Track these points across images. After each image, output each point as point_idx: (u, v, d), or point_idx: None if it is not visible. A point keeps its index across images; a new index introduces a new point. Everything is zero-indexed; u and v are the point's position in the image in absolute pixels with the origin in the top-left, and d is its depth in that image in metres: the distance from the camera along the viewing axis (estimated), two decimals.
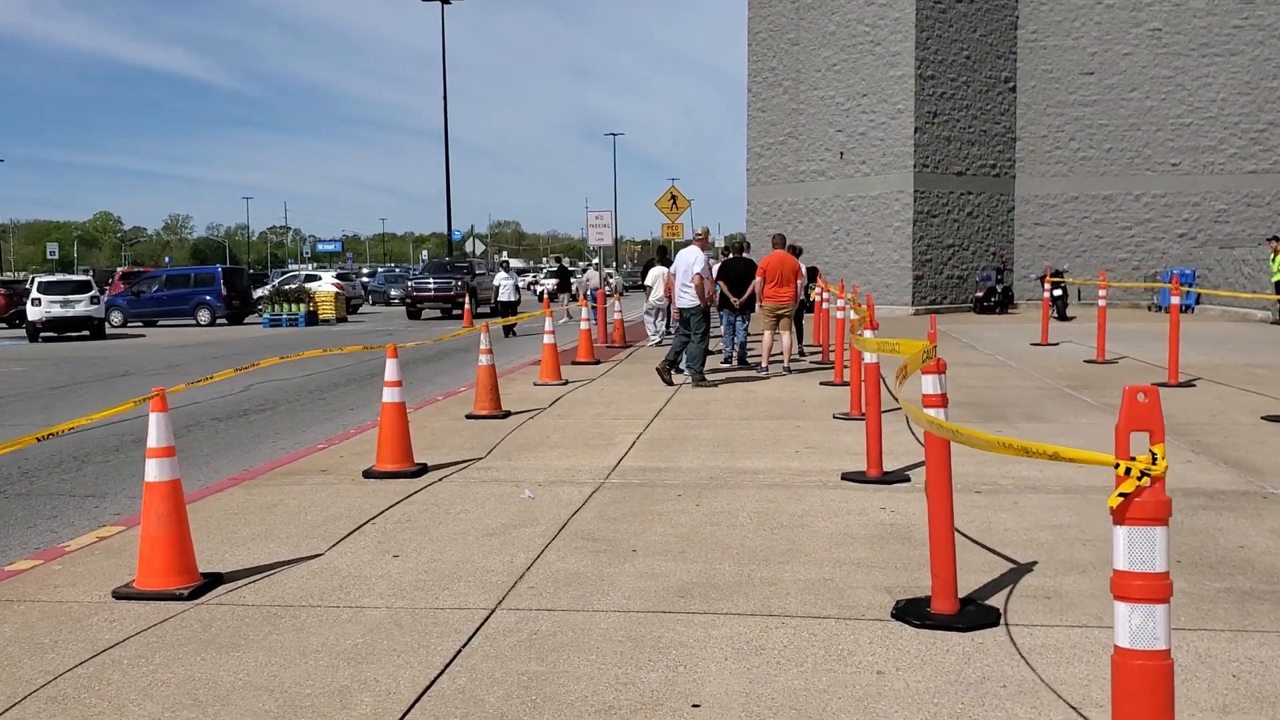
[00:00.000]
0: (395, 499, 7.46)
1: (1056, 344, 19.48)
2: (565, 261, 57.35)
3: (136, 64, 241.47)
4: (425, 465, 8.50)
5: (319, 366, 18.48)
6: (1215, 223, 31.47)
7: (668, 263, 21.43)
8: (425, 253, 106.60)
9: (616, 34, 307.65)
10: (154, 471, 5.38)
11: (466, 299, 33.47)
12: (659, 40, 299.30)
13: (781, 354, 15.97)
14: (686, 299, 13.71)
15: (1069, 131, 32.28)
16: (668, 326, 24.75)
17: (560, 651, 4.53)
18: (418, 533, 6.55)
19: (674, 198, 33.40)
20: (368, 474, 8.27)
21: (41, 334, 29.88)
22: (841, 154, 32.03)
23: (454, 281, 36.19)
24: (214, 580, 5.54)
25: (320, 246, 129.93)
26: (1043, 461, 7.59)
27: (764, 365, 15.58)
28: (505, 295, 28.51)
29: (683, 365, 14.16)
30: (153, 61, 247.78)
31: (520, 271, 48.43)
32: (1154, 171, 31.73)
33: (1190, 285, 29.16)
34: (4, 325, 36.92)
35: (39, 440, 5.02)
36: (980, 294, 30.09)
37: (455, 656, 4.50)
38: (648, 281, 22.14)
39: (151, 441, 5.40)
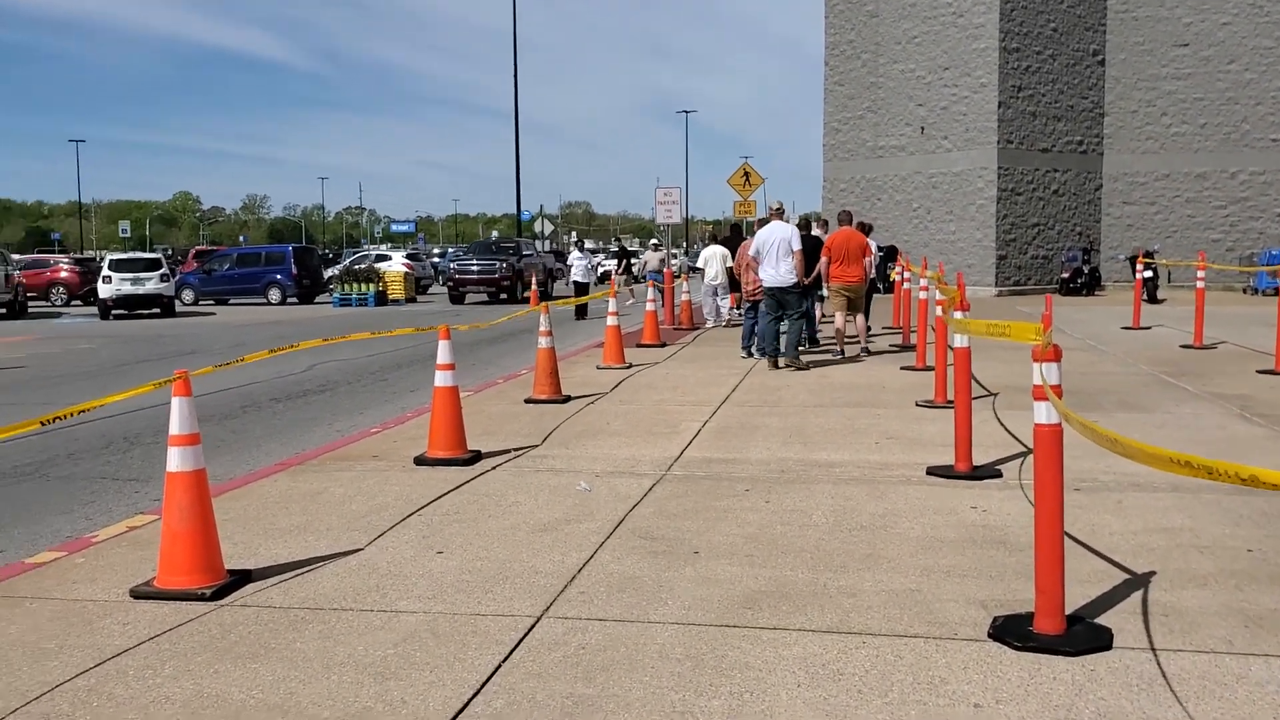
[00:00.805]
0: (445, 489, 7.00)
1: (1149, 328, 18.51)
2: (625, 242, 56.54)
3: (214, 45, 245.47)
4: (479, 453, 8.03)
5: (383, 346, 18.19)
6: None
7: (737, 241, 20.79)
8: (495, 233, 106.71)
9: (690, 10, 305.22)
10: (175, 460, 4.96)
11: (514, 282, 32.37)
12: (733, 15, 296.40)
13: (851, 339, 15.30)
14: (783, 277, 13.04)
15: (1161, 106, 30.89)
16: (737, 306, 24.15)
17: (610, 670, 4.01)
18: (465, 526, 6.07)
19: (747, 174, 32.69)
20: (419, 461, 7.83)
21: (113, 312, 30.13)
22: (922, 129, 31.02)
23: (499, 263, 33.41)
24: (241, 578, 5.11)
25: (394, 227, 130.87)
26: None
27: (839, 349, 14.93)
28: (579, 275, 27.51)
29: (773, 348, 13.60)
30: (230, 43, 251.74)
31: (592, 252, 47.65)
32: (1252, 148, 30.22)
33: None
34: (78, 303, 37.44)
35: (42, 425, 4.61)
36: (1066, 275, 28.95)
37: (493, 673, 4.01)
38: (700, 263, 21.56)
39: (174, 428, 4.98)
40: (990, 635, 4.37)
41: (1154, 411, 9.75)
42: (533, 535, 5.87)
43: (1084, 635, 4.34)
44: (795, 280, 13.04)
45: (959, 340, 7.18)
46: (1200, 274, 15.87)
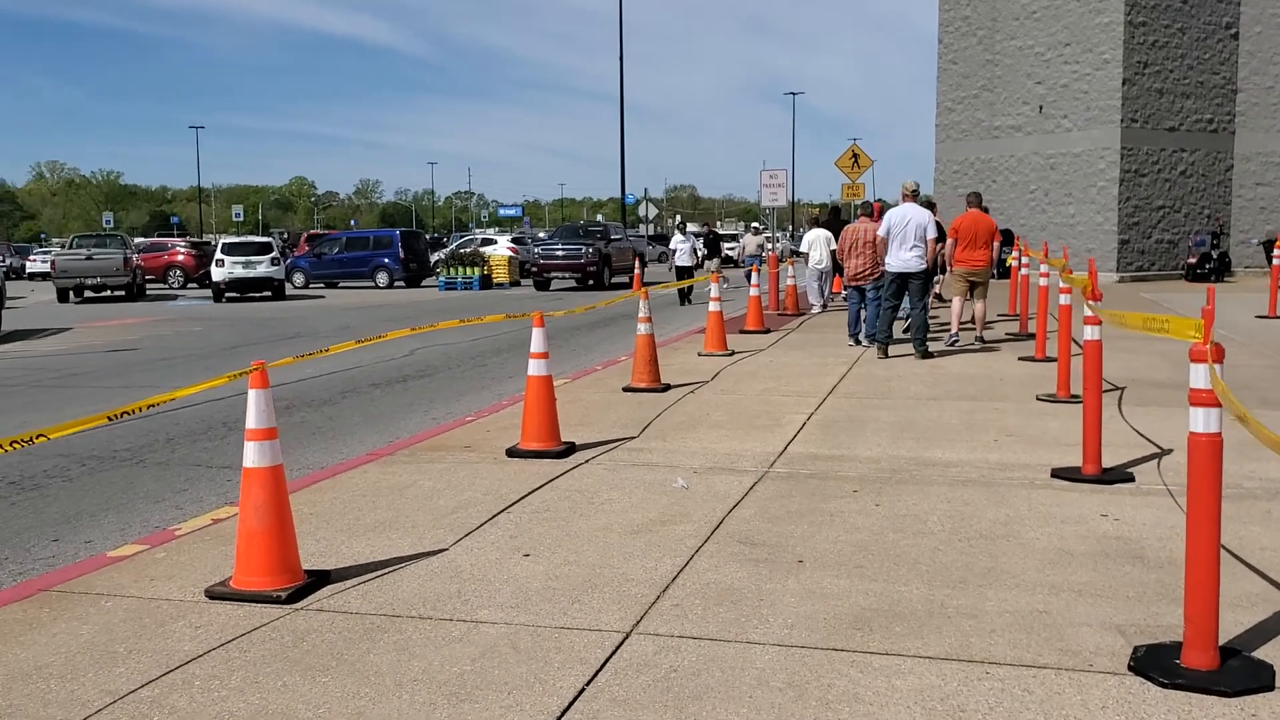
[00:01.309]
0: (536, 483, 6.71)
1: None
2: (718, 227, 55.70)
3: (327, 32, 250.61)
4: (573, 444, 7.73)
5: (483, 331, 18.08)
6: None
7: (839, 225, 20.17)
8: (600, 216, 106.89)
9: None
10: (252, 456, 4.73)
11: (600, 267, 31.11)
12: None
13: (966, 324, 14.64)
14: (911, 263, 12.53)
15: None
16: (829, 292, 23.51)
17: (703, 699, 3.65)
18: (555, 526, 5.77)
19: (855, 156, 31.92)
20: (511, 453, 7.56)
21: (225, 294, 30.75)
22: (1040, 108, 29.80)
23: (585, 248, 31.89)
24: (319, 579, 4.88)
25: (501, 211, 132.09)
26: None
27: (954, 334, 14.31)
28: (682, 260, 26.65)
29: (896, 337, 13.14)
30: (342, 29, 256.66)
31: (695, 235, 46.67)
32: None
33: None
34: (194, 285, 38.39)
35: (109, 420, 4.41)
36: (1193, 260, 27.53)
37: (576, 698, 3.68)
38: (803, 248, 20.97)
39: (250, 421, 4.75)
40: (1131, 668, 3.89)
41: None
42: (625, 537, 5.53)
43: (1241, 672, 3.84)
44: (923, 267, 12.53)
45: (1090, 332, 6.62)
46: None
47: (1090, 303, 6.71)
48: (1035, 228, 29.09)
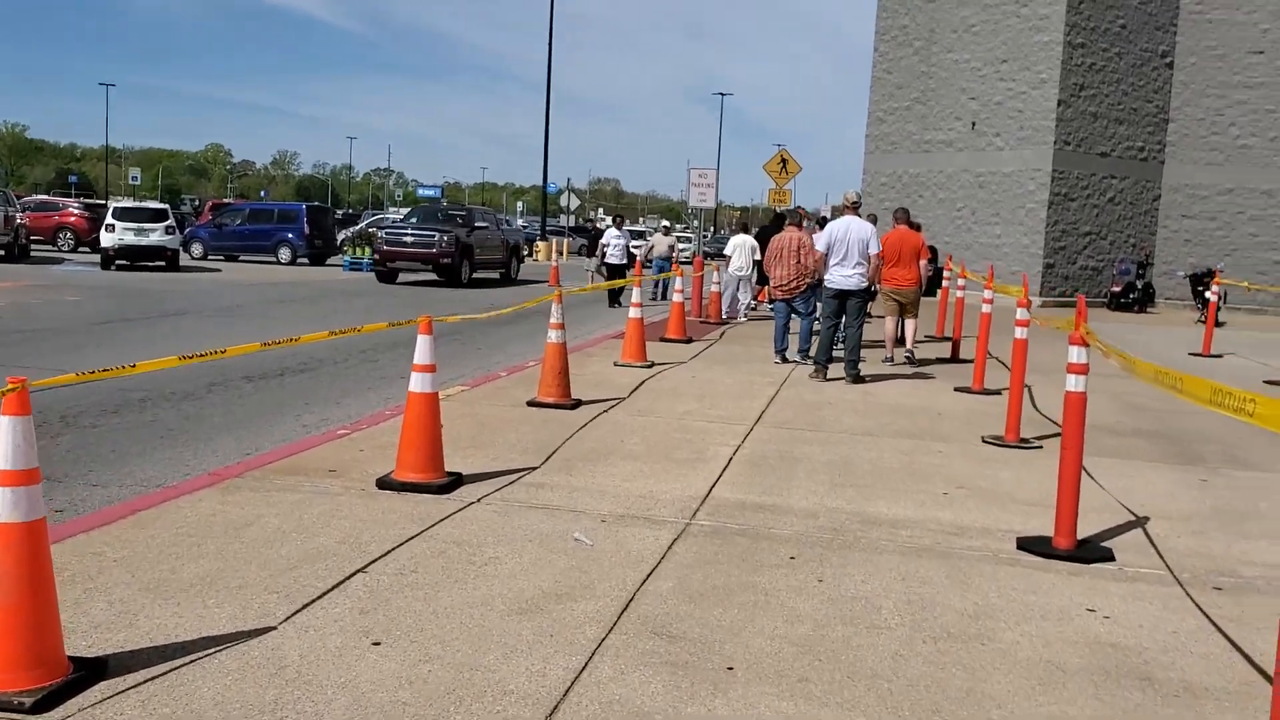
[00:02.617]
0: (407, 531, 5.50)
1: (1220, 355, 16.86)
2: (598, 221, 53.99)
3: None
4: (459, 476, 6.53)
5: (386, 316, 16.67)
6: None
7: (775, 232, 19.22)
8: (522, 204, 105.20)
9: None
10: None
11: (456, 259, 26.12)
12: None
13: (900, 342, 13.82)
14: (853, 280, 11.53)
15: (1230, 116, 29.01)
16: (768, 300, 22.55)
17: None
18: (422, 597, 4.58)
19: (784, 161, 31.09)
20: (383, 483, 6.33)
21: (115, 262, 28.73)
22: (974, 124, 29.24)
23: (439, 235, 26.12)
24: (90, 674, 3.63)
25: (420, 191, 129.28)
26: None
27: (889, 354, 13.51)
28: (615, 257, 23.98)
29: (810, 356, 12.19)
30: None
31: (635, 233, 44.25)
32: None
33: None
34: (86, 249, 36.11)
35: None
36: (1117, 289, 27.17)
37: None
38: (727, 251, 20.03)
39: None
40: None
41: (1274, 470, 8.18)
42: (509, 619, 4.36)
43: None
44: (864, 285, 11.58)
45: (1074, 382, 5.63)
46: None
47: (1084, 326, 5.73)
48: (960, 246, 28.54)
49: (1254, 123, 28.81)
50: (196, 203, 69.93)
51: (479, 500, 6.13)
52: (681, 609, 4.57)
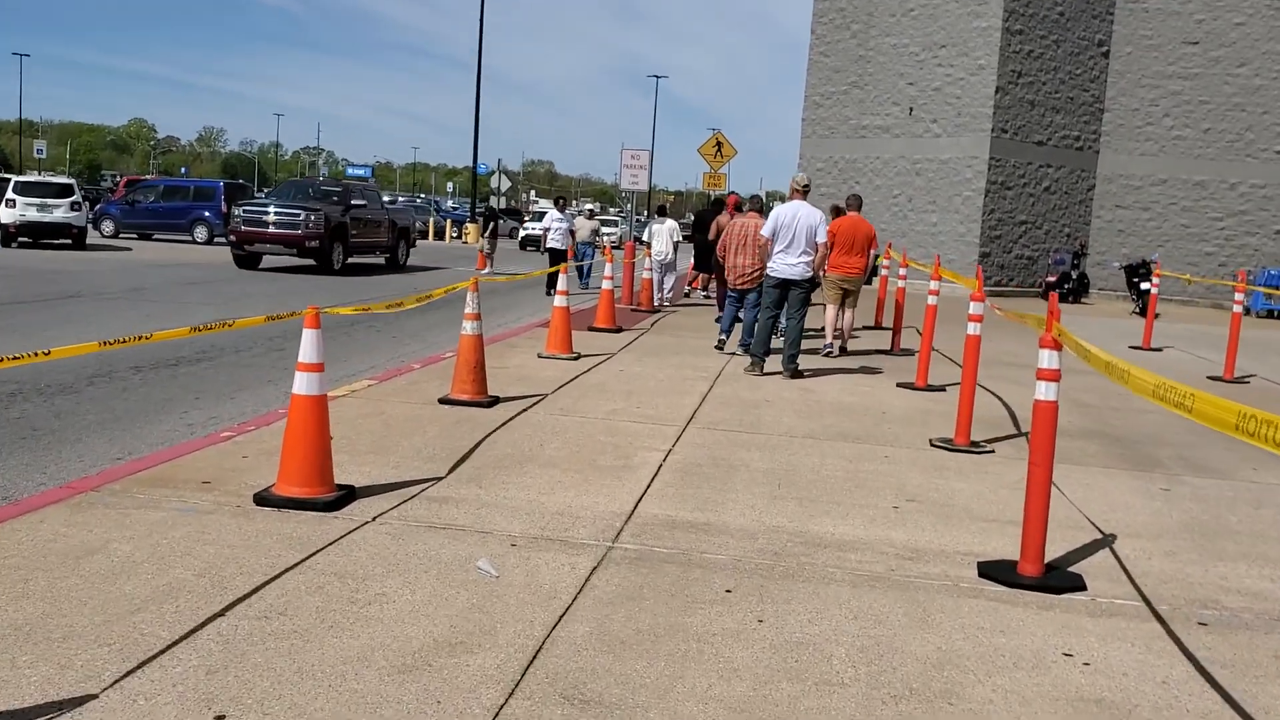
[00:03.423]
0: (282, 561, 4.72)
1: (1160, 349, 16.55)
2: (495, 204, 52.93)
3: None
4: (352, 490, 5.75)
5: (297, 302, 15.75)
6: None
7: (711, 214, 18.55)
8: (451, 185, 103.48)
9: None
10: None
11: (325, 242, 22.96)
12: None
13: (840, 332, 13.33)
14: (798, 270, 10.89)
15: (1164, 106, 28.95)
16: (703, 288, 21.86)
17: None
18: (285, 652, 3.81)
19: (719, 145, 30.52)
20: (262, 499, 5.53)
21: (17, 239, 27.24)
22: (911, 110, 28.81)
23: (304, 214, 22.83)
24: None
25: (349, 171, 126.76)
26: (1277, 570, 4.87)
27: (829, 343, 13.00)
28: (556, 241, 22.40)
29: (751, 347, 11.55)
30: None
31: (538, 216, 42.93)
32: (1255, 159, 28.39)
33: None
34: None
35: None
36: (1052, 279, 26.95)
37: None
38: (645, 237, 19.37)
39: None
40: None
41: (1233, 478, 7.69)
42: (388, 681, 3.62)
43: None
44: (810, 275, 10.95)
45: (1044, 390, 5.02)
46: (1239, 296, 13.96)
47: (1056, 326, 5.12)
48: (897, 234, 28.15)
49: (1188, 114, 28.78)
50: (118, 179, 67.76)
51: (372, 520, 5.36)
52: (598, 662, 3.86)
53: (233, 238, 23.44)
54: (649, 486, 6.36)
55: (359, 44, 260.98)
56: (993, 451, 7.99)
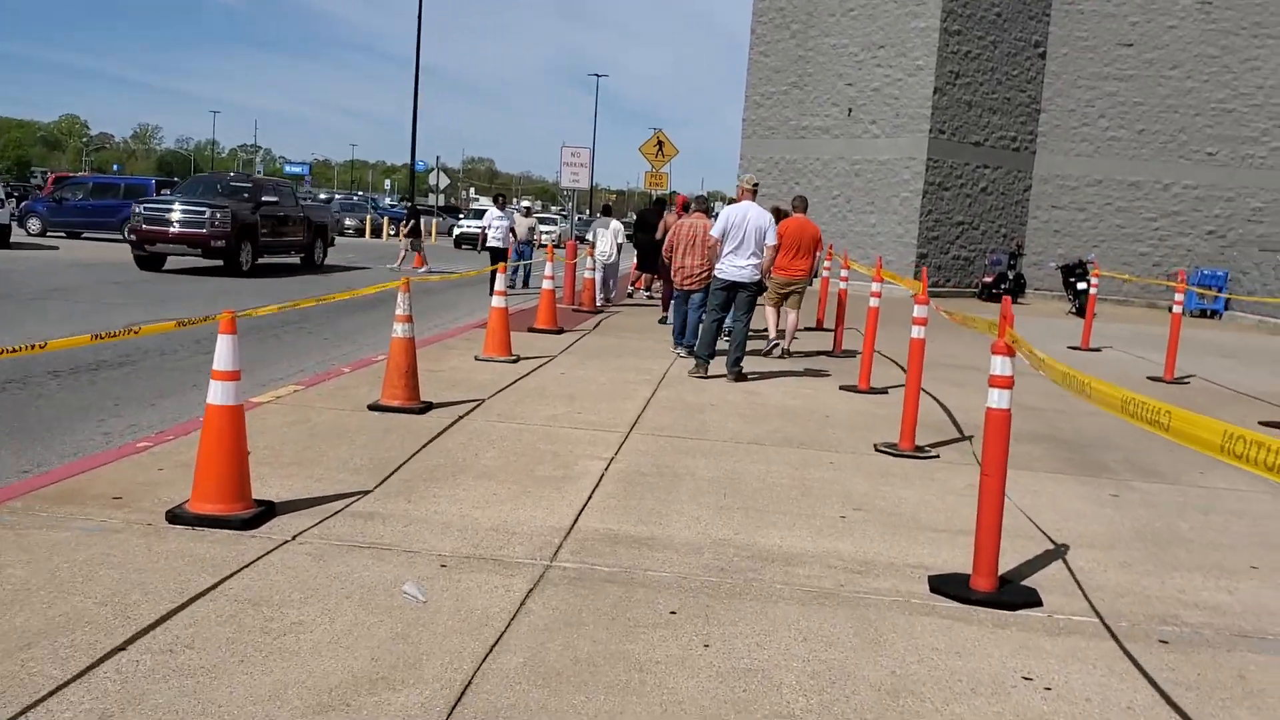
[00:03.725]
0: (193, 586, 4.39)
1: (1099, 349, 16.62)
2: (519, 203, 52.70)
3: None
4: (271, 505, 5.42)
5: (230, 302, 15.24)
6: (1249, 221, 28.63)
7: (653, 214, 18.34)
8: (390, 182, 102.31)
9: None
10: None
11: (232, 241, 21.53)
12: None
13: (783, 333, 13.20)
14: (746, 272, 10.67)
15: (1099, 108, 29.26)
16: (647, 288, 21.63)
17: None
18: (190, 691, 3.50)
19: (661, 144, 30.30)
20: (174, 516, 5.18)
21: None
22: (850, 110, 28.82)
23: (210, 211, 21.37)
24: None
25: (287, 168, 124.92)
26: (1233, 581, 4.80)
27: (772, 340, 12.89)
28: (496, 240, 21.97)
29: (694, 347, 11.38)
30: None
31: (478, 214, 42.55)
32: (1188, 160, 28.80)
33: (1222, 289, 26.48)
34: None
35: None
36: (989, 279, 27.13)
37: None
38: (589, 237, 19.15)
39: None
40: None
41: (1179, 482, 7.60)
42: None
43: None
44: (757, 278, 10.77)
45: (996, 398, 4.84)
46: (1179, 297, 14.01)
47: (1010, 332, 4.92)
48: (836, 235, 28.14)
49: (1122, 115, 29.10)
50: (47, 175, 66.05)
51: (292, 538, 5.04)
52: (532, 697, 3.59)
53: (133, 237, 21.85)
54: (590, 498, 6.10)
55: (298, 40, 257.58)
56: (937, 456, 7.83)
